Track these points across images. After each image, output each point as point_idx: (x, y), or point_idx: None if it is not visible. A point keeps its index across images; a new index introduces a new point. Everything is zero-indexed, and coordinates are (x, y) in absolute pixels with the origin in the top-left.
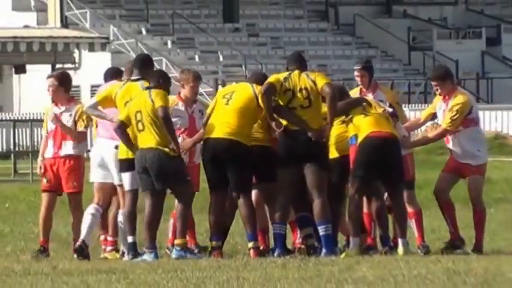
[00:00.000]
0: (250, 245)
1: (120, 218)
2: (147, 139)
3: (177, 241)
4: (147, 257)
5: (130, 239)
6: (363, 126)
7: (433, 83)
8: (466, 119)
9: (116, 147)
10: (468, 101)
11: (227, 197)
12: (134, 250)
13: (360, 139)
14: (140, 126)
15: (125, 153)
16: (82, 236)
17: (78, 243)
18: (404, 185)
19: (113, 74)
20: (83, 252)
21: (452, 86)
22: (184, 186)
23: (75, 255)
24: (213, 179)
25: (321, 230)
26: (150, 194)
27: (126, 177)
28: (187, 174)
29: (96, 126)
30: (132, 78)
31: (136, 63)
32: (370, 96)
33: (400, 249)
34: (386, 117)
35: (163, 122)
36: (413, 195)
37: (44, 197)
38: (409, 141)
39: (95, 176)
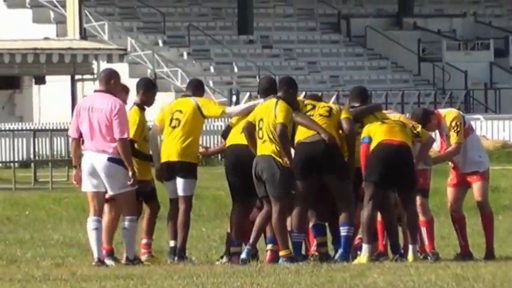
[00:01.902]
0: (269, 246)
1: (126, 225)
2: (265, 147)
3: (281, 253)
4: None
5: (172, 243)
6: (377, 133)
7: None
8: (464, 129)
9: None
10: (458, 112)
11: (249, 205)
12: (174, 254)
13: (373, 146)
14: (260, 134)
15: (166, 156)
16: (95, 254)
17: (93, 263)
18: (419, 193)
19: (149, 85)
20: (103, 264)
21: (436, 117)
22: (288, 197)
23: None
24: (235, 186)
25: (343, 231)
26: (265, 201)
27: (169, 185)
28: (294, 187)
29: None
30: (186, 94)
31: (191, 87)
32: None
33: (410, 255)
34: (403, 126)
35: (279, 139)
36: (427, 204)
37: (108, 205)
38: (431, 157)
39: (87, 186)
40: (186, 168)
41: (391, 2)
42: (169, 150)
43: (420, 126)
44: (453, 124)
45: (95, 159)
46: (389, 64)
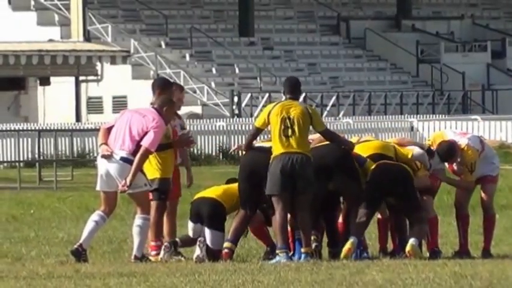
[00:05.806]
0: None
1: (140, 222)
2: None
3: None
4: (281, 258)
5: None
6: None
7: (449, 164)
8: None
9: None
10: (476, 151)
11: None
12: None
13: (371, 166)
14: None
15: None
16: (81, 240)
17: (75, 246)
18: (427, 192)
19: (165, 85)
20: (79, 255)
21: (458, 152)
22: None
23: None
24: (246, 192)
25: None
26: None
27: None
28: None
29: None
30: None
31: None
32: None
33: (409, 244)
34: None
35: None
36: (431, 203)
37: (170, 205)
38: (444, 175)
39: (101, 185)
40: None
41: (390, 5)
42: None
43: (422, 165)
44: (469, 165)
45: (109, 159)
46: (388, 66)
